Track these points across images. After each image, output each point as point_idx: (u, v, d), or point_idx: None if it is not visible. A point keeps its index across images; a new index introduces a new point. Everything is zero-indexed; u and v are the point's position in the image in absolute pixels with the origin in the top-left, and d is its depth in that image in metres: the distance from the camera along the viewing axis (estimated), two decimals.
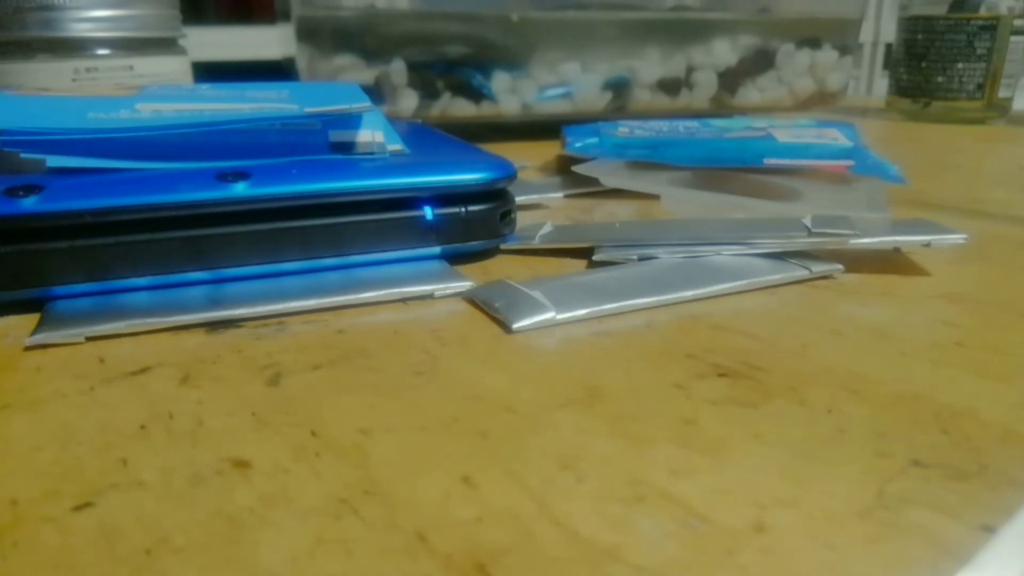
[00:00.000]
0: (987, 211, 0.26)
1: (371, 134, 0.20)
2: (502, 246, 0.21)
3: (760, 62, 0.42)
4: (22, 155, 0.17)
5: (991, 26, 0.46)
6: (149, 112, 0.19)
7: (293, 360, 0.14)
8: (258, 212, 0.17)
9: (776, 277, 0.18)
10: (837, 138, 0.28)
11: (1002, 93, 0.48)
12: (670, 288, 0.17)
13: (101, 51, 0.30)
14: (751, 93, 0.42)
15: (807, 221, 0.20)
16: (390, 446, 0.11)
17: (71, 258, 0.16)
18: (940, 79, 0.48)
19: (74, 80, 0.30)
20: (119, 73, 0.31)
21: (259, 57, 0.78)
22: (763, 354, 0.14)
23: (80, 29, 0.30)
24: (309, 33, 0.35)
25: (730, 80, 0.41)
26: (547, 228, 0.22)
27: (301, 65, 0.36)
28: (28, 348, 0.15)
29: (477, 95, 0.37)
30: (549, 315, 0.16)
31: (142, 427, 0.12)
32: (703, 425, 0.12)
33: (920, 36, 0.49)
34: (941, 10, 0.47)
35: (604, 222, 0.24)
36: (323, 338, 0.15)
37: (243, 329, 0.16)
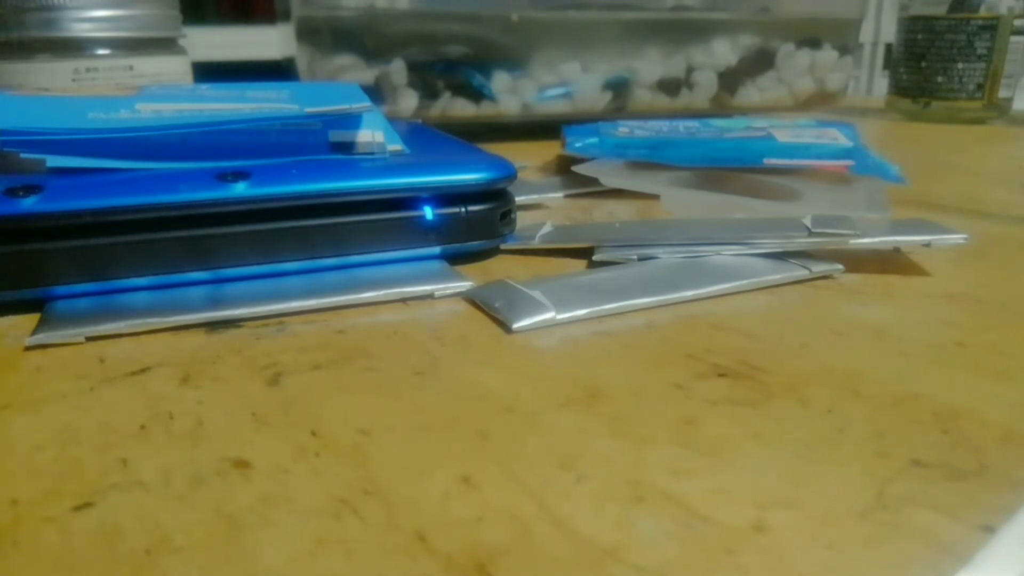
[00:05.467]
0: (987, 211, 0.26)
1: (371, 134, 0.20)
2: (502, 246, 0.21)
3: (760, 62, 0.42)
4: (22, 155, 0.17)
5: (991, 26, 0.46)
6: (149, 112, 0.19)
7: (293, 360, 0.14)
8: (258, 212, 0.17)
9: (776, 277, 0.18)
10: (837, 138, 0.28)
11: (1002, 93, 0.48)
12: (670, 288, 0.17)
13: (101, 51, 0.30)
14: (751, 93, 0.42)
15: (807, 221, 0.20)
16: (390, 446, 0.11)
17: (71, 258, 0.16)
18: (940, 79, 0.48)
19: (74, 80, 0.30)
20: (119, 73, 0.31)
21: (259, 57, 0.78)
22: (763, 354, 0.14)
23: (80, 29, 0.30)
24: (309, 33, 0.35)
25: (730, 80, 0.41)
26: (547, 228, 0.22)
27: (301, 65, 0.35)
28: (28, 348, 0.15)
29: (477, 95, 0.37)
30: (549, 315, 0.16)
31: (142, 427, 0.12)
32: (703, 425, 0.12)
33: (920, 36, 0.49)
34: (941, 10, 0.47)
35: (604, 222, 0.24)
36: (323, 338, 0.15)
37: (243, 329, 0.16)
